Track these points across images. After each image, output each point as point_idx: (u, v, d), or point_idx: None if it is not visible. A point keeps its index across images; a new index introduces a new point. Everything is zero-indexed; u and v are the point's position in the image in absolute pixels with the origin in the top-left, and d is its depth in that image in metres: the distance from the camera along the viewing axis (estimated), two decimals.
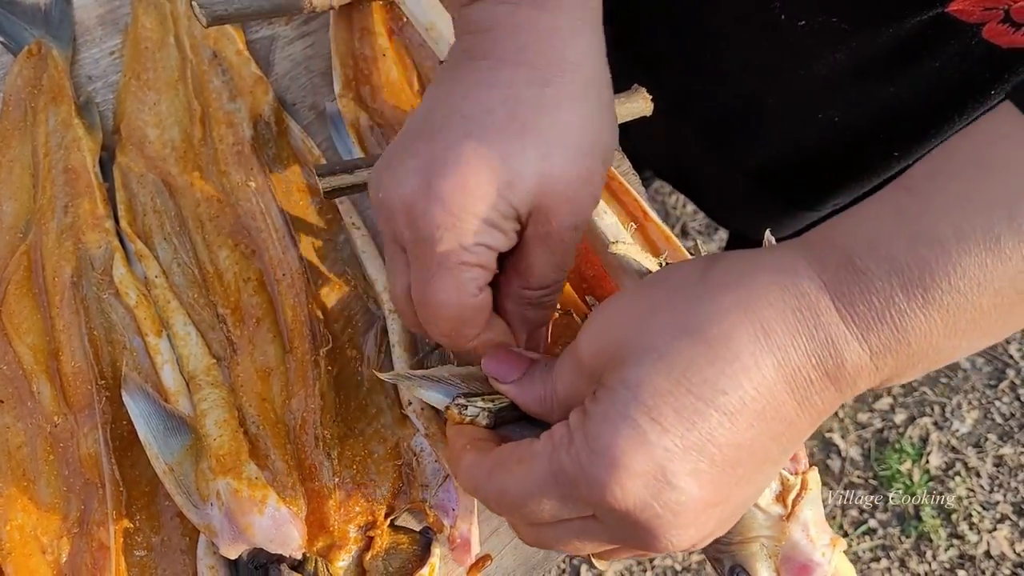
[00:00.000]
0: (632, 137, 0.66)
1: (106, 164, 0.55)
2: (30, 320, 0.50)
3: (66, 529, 0.45)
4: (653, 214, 0.49)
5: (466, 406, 0.38)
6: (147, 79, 0.57)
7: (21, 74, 0.57)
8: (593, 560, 0.39)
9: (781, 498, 0.40)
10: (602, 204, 0.46)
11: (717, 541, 0.41)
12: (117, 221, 0.53)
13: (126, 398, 0.45)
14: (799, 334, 0.30)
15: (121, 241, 0.52)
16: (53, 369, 0.48)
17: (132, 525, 0.46)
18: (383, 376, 0.42)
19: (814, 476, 0.41)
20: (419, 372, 0.41)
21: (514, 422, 0.39)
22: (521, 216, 0.36)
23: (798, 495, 0.40)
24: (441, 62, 0.52)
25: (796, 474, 0.41)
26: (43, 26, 0.60)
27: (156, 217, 0.52)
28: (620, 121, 0.54)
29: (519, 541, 0.48)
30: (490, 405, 0.38)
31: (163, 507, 0.46)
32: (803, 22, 0.53)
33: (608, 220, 0.45)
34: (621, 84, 0.86)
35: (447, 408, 0.39)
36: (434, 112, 0.36)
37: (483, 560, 0.48)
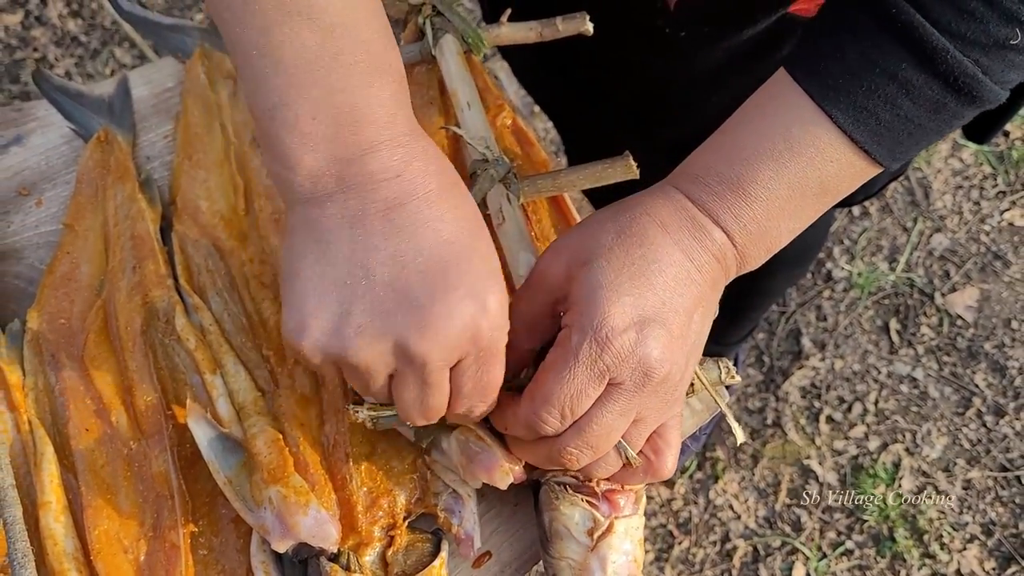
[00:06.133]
0: (563, 128, 0.88)
1: (165, 231, 0.66)
2: (108, 363, 0.60)
3: (143, 533, 0.55)
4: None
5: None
6: (197, 159, 0.68)
7: (92, 157, 0.68)
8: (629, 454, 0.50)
9: (591, 533, 0.51)
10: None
11: (546, 552, 0.53)
12: (176, 279, 0.63)
13: (191, 425, 0.55)
14: (679, 220, 0.48)
15: (180, 296, 0.62)
16: (128, 403, 0.59)
17: (196, 529, 0.55)
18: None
19: (625, 523, 0.52)
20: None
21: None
22: None
23: (603, 534, 0.51)
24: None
25: (608, 517, 0.51)
26: (108, 115, 0.71)
27: (209, 275, 0.63)
28: (606, 183, 0.65)
29: (515, 538, 0.58)
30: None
31: (221, 514, 0.56)
32: (683, 33, 0.69)
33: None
34: (535, 81, 1.01)
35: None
36: (416, 258, 0.42)
37: (484, 556, 0.58)
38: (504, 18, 0.70)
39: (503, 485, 0.52)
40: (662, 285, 0.46)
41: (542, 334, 0.51)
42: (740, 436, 0.51)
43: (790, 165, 0.46)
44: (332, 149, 0.42)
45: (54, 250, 0.65)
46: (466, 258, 0.44)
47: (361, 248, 0.42)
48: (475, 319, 0.43)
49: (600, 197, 1.09)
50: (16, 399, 0.59)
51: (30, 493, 0.56)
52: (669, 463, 0.51)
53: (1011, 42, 0.43)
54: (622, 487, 0.52)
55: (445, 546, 0.55)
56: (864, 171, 0.48)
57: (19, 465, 0.57)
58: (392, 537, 0.54)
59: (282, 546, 0.52)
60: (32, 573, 0.51)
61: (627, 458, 0.50)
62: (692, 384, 0.54)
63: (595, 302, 0.46)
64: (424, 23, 0.69)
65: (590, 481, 0.52)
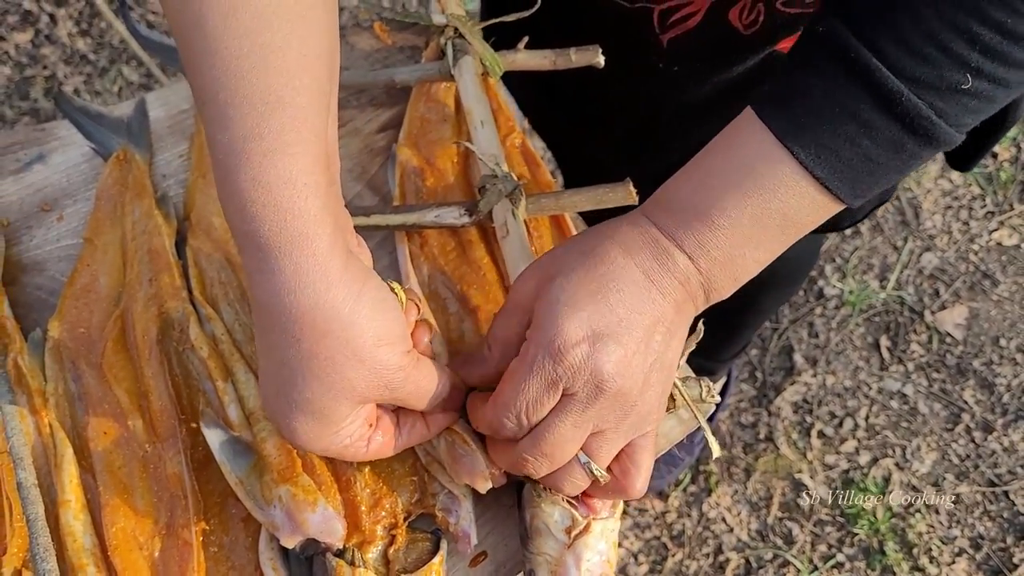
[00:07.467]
0: (561, 157, 0.95)
1: (180, 246, 0.69)
2: (125, 369, 0.63)
3: (157, 531, 0.58)
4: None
5: None
6: (211, 177, 0.71)
7: (111, 175, 0.72)
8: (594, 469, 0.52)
9: (568, 531, 0.54)
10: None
11: (526, 548, 0.56)
12: (190, 291, 0.66)
13: (204, 429, 0.58)
14: (642, 244, 0.51)
15: (194, 307, 0.66)
16: (144, 408, 0.62)
17: (208, 527, 0.58)
18: None
19: (602, 525, 0.54)
20: None
21: None
22: None
23: (580, 533, 0.54)
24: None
25: (586, 517, 0.54)
26: (126, 135, 0.75)
27: (221, 287, 0.66)
28: (606, 207, 0.68)
29: (509, 539, 0.61)
30: None
31: (231, 514, 0.59)
32: (676, 68, 0.73)
33: None
34: (531, 106, 1.09)
35: None
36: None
37: (480, 556, 0.61)
38: (521, 45, 0.74)
39: (482, 489, 0.56)
40: (619, 303, 0.49)
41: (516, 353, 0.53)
42: (716, 451, 0.54)
43: (753, 196, 0.49)
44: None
45: (74, 263, 0.69)
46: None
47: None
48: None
49: (596, 219, 1.16)
50: (38, 403, 0.62)
51: (51, 492, 0.59)
52: (638, 484, 0.53)
53: (963, 86, 0.46)
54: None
55: (444, 545, 0.58)
56: (826, 206, 0.50)
57: (40, 465, 0.60)
58: (394, 536, 0.57)
59: (291, 542, 0.55)
60: (53, 567, 0.55)
61: (595, 475, 0.52)
62: (673, 399, 0.57)
63: (552, 316, 0.49)
64: (446, 44, 0.73)
65: None
